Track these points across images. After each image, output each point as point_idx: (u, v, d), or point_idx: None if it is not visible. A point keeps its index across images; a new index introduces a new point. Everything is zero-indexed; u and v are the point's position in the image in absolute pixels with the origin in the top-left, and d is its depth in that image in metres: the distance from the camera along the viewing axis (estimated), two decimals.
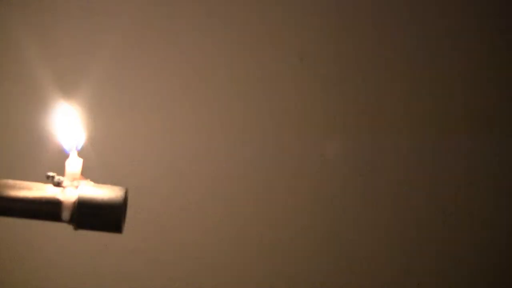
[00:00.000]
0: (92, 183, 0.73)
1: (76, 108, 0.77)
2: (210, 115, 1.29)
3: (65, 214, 0.71)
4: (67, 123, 0.77)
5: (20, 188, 0.72)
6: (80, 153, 0.75)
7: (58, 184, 0.72)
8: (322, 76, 1.31)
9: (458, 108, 1.33)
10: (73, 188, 0.72)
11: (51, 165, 0.80)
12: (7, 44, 1.24)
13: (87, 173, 0.74)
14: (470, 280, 1.37)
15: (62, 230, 0.95)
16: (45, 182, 0.73)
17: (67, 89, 1.23)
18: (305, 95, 1.31)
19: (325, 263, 1.35)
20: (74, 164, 0.73)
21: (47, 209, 0.72)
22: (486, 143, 1.33)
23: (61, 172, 0.73)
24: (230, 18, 1.28)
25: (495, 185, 1.35)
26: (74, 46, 1.25)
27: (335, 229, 1.34)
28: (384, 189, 1.34)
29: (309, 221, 1.34)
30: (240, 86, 1.30)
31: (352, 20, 1.30)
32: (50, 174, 0.73)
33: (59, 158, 0.77)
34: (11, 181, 0.72)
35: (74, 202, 0.71)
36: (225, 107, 1.30)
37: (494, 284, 1.38)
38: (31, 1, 1.24)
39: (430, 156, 1.33)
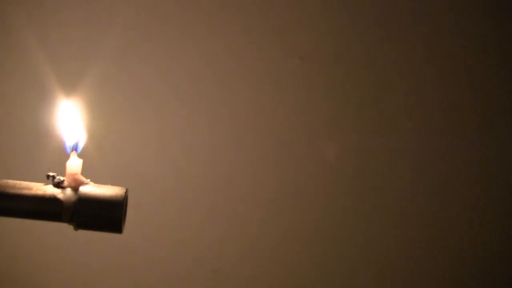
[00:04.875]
0: (92, 183, 0.73)
1: (77, 108, 0.78)
2: (210, 115, 1.30)
3: (65, 214, 0.71)
4: (69, 120, 0.77)
5: (20, 188, 0.72)
6: (80, 154, 0.75)
7: (58, 184, 0.72)
8: (322, 76, 1.31)
9: (459, 108, 1.33)
10: (73, 188, 0.72)
11: (51, 165, 0.80)
12: (8, 43, 1.24)
13: (87, 173, 0.74)
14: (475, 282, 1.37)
15: (62, 230, 0.95)
16: (45, 182, 0.73)
17: (67, 90, 1.23)
18: (305, 95, 1.31)
19: (324, 264, 1.35)
20: (74, 164, 0.73)
21: (47, 209, 0.72)
22: (489, 143, 1.34)
23: (61, 172, 0.73)
24: (230, 18, 1.28)
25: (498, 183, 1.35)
26: (74, 48, 1.25)
27: (335, 229, 1.34)
28: (384, 190, 1.34)
29: (309, 221, 1.34)
30: (240, 86, 1.30)
31: (352, 20, 1.30)
32: (51, 174, 0.73)
33: (59, 158, 0.77)
34: (11, 181, 0.72)
35: (74, 202, 0.71)
36: (225, 106, 1.30)
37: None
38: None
39: (431, 156, 1.34)
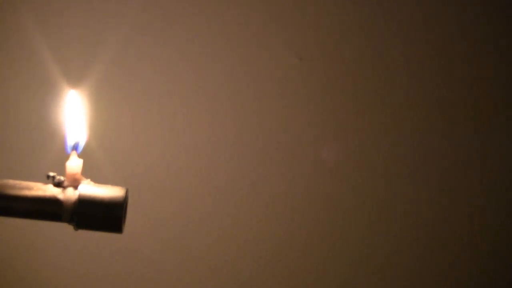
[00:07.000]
0: (92, 183, 0.73)
1: (80, 105, 0.78)
2: (210, 115, 1.29)
3: (65, 214, 0.71)
4: (72, 118, 0.77)
5: (20, 188, 0.72)
6: (81, 153, 0.75)
7: (58, 184, 0.72)
8: (322, 76, 1.31)
9: (460, 108, 1.33)
10: (73, 188, 0.72)
11: (51, 165, 0.80)
12: (10, 42, 1.24)
13: (87, 173, 0.74)
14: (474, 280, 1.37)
15: (62, 230, 0.95)
16: (45, 182, 0.73)
17: (69, 89, 1.23)
18: (305, 95, 1.31)
19: (324, 264, 1.35)
20: (74, 164, 0.73)
21: (47, 209, 0.72)
22: (489, 143, 1.34)
23: (62, 172, 0.73)
24: (230, 18, 1.28)
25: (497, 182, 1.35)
26: (77, 47, 1.25)
27: (335, 229, 1.34)
28: (384, 190, 1.34)
29: (309, 221, 1.34)
30: (240, 86, 1.30)
31: (352, 19, 1.30)
32: (51, 174, 0.73)
33: (60, 158, 0.77)
34: (11, 181, 0.72)
35: (74, 202, 0.71)
36: (225, 106, 1.30)
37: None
38: None
39: (431, 156, 1.33)
